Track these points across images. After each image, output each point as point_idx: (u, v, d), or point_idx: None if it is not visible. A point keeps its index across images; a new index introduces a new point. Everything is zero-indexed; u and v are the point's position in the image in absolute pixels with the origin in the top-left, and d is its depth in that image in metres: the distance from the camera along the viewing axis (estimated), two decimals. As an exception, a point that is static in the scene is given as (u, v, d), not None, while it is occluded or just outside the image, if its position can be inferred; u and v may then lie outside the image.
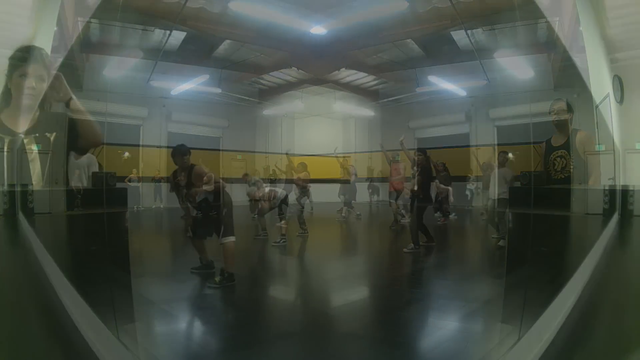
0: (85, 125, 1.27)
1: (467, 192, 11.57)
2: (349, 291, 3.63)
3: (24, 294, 2.84)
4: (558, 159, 3.26)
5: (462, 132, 12.82)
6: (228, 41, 8.60)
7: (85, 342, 1.98)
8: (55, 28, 3.83)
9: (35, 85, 1.26)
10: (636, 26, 7.75)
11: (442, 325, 2.74)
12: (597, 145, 9.42)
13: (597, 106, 5.59)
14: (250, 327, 2.54)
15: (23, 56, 1.25)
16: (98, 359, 1.82)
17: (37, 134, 1.29)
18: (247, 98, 12.28)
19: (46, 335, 2.32)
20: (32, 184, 1.28)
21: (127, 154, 8.97)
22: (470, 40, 8.70)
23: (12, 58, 1.27)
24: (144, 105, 10.03)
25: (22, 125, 1.30)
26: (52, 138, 1.31)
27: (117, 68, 9.97)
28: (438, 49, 9.32)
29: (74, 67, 8.15)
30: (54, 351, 2.09)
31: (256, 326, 2.57)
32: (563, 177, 3.22)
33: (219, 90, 10.58)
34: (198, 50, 9.47)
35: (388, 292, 3.62)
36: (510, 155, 5.63)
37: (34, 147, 1.28)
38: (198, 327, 2.67)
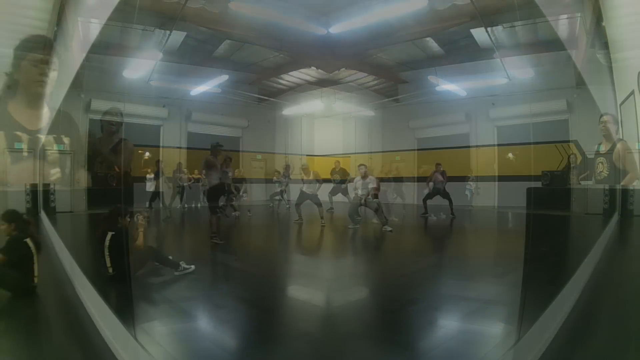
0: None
1: (467, 192, 11.53)
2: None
3: (44, 291, 2.86)
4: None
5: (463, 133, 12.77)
6: (228, 41, 8.58)
7: (103, 340, 2.01)
8: (55, 28, 3.84)
9: (47, 72, 1.24)
10: (636, 26, 7.73)
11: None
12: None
13: (620, 104, 5.52)
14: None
15: (32, 45, 1.20)
16: (115, 356, 1.84)
17: (56, 135, 1.25)
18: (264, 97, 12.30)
19: (65, 332, 2.33)
20: (53, 184, 1.26)
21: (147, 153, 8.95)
22: (490, 38, 8.48)
23: (18, 48, 1.22)
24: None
25: (30, 117, 1.27)
26: (68, 141, 1.28)
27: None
28: (455, 47, 9.11)
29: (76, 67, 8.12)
30: (72, 348, 2.10)
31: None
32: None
33: (218, 90, 10.55)
34: (198, 50, 9.45)
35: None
36: None
37: (55, 147, 1.25)
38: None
